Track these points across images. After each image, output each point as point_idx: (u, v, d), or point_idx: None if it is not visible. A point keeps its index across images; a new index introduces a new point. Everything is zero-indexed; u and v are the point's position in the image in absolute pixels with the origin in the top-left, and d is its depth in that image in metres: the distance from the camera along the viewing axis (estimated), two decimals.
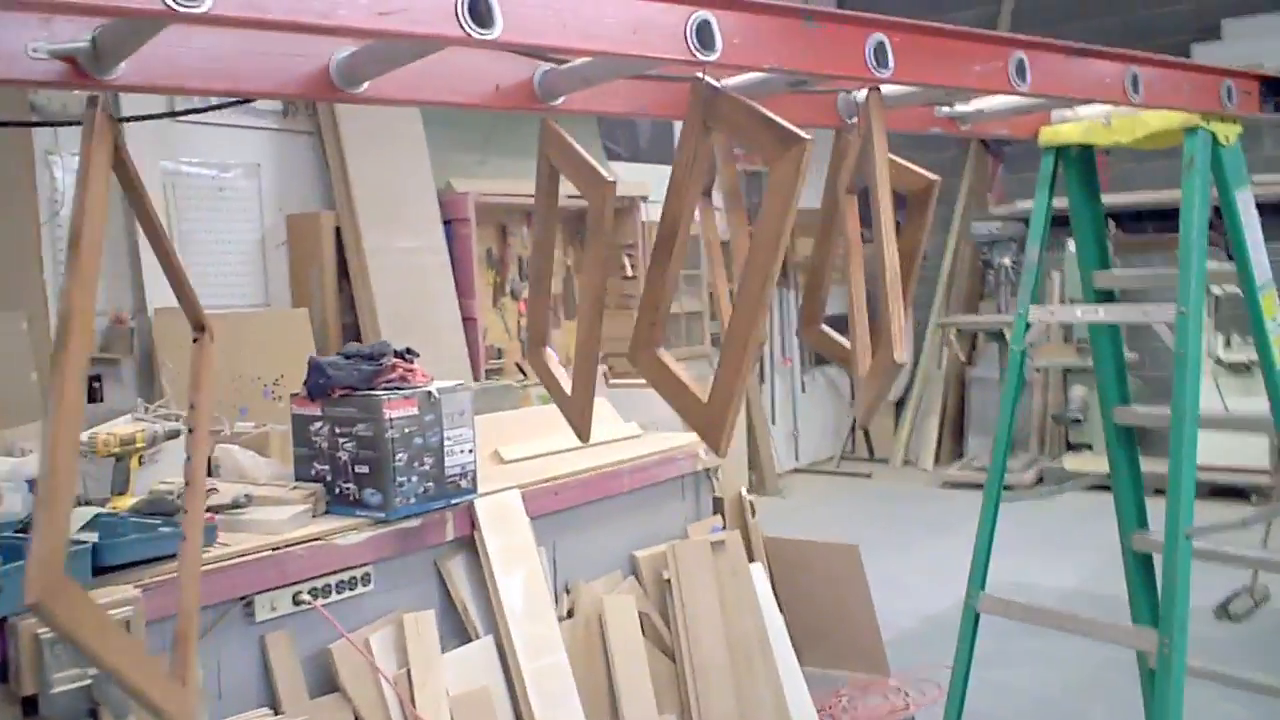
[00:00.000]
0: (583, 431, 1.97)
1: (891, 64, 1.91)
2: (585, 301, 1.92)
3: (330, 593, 2.93)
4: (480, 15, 1.49)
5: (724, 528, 4.10)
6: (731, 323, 1.64)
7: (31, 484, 3.13)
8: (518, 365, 6.55)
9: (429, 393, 3.09)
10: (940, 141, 9.78)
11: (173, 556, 2.70)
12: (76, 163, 4.62)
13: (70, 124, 4.77)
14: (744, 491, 4.27)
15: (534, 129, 5.80)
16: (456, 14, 1.47)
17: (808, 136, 1.53)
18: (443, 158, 6.19)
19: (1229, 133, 2.63)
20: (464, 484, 3.19)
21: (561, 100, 2.04)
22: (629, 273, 7.25)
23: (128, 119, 4.55)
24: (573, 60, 1.93)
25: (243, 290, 5.72)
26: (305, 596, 2.87)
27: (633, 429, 4.22)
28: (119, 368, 5.11)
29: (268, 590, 2.80)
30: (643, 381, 3.86)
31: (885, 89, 2.30)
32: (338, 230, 5.79)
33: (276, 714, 2.79)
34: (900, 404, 9.86)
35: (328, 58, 1.80)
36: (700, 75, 1.73)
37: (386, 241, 5.80)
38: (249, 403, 5.02)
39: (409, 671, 2.99)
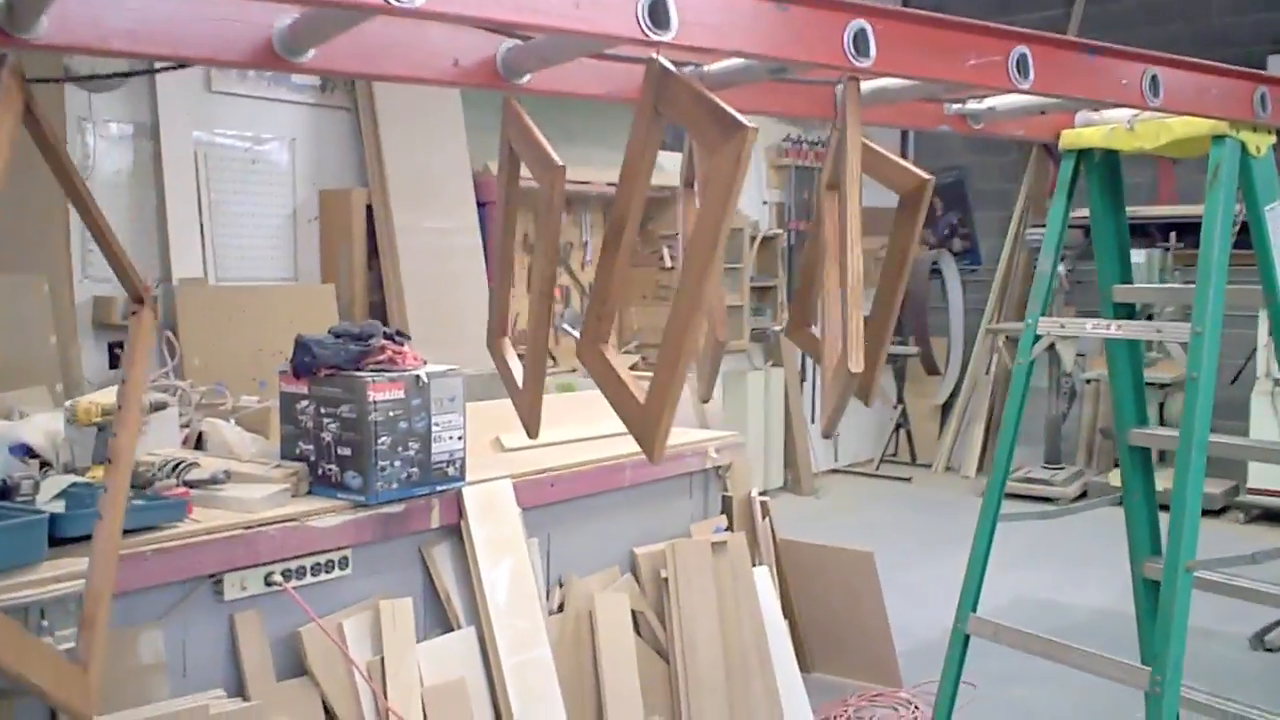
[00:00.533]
0: (532, 427, 1.87)
1: (873, 53, 1.78)
2: (535, 292, 1.82)
3: (304, 575, 2.87)
4: None
5: (729, 528, 3.98)
6: (669, 321, 1.53)
7: (17, 449, 3.11)
8: (549, 352, 6.48)
9: (417, 376, 3.01)
10: (1002, 145, 9.54)
11: (141, 530, 2.66)
12: (110, 129, 4.60)
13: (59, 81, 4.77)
14: (754, 493, 4.15)
15: (578, 114, 5.68)
16: None
17: (751, 125, 1.41)
18: (481, 140, 6.10)
19: (1260, 143, 2.46)
20: (451, 471, 3.11)
21: (527, 79, 1.93)
22: (668, 263, 7.14)
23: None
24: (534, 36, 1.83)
25: (272, 264, 5.69)
26: (277, 577, 2.80)
27: None
28: None
29: (238, 569, 2.74)
30: None
31: (883, 82, 2.18)
32: (370, 208, 5.74)
33: (240, 695, 2.74)
34: (946, 409, 9.66)
35: (269, 24, 1.71)
36: (654, 56, 1.61)
37: (417, 221, 5.74)
38: (269, 377, 4.98)
39: (382, 659, 2.92)
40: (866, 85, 2.17)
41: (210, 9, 1.67)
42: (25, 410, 3.63)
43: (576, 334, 5.53)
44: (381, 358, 3.03)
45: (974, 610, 2.75)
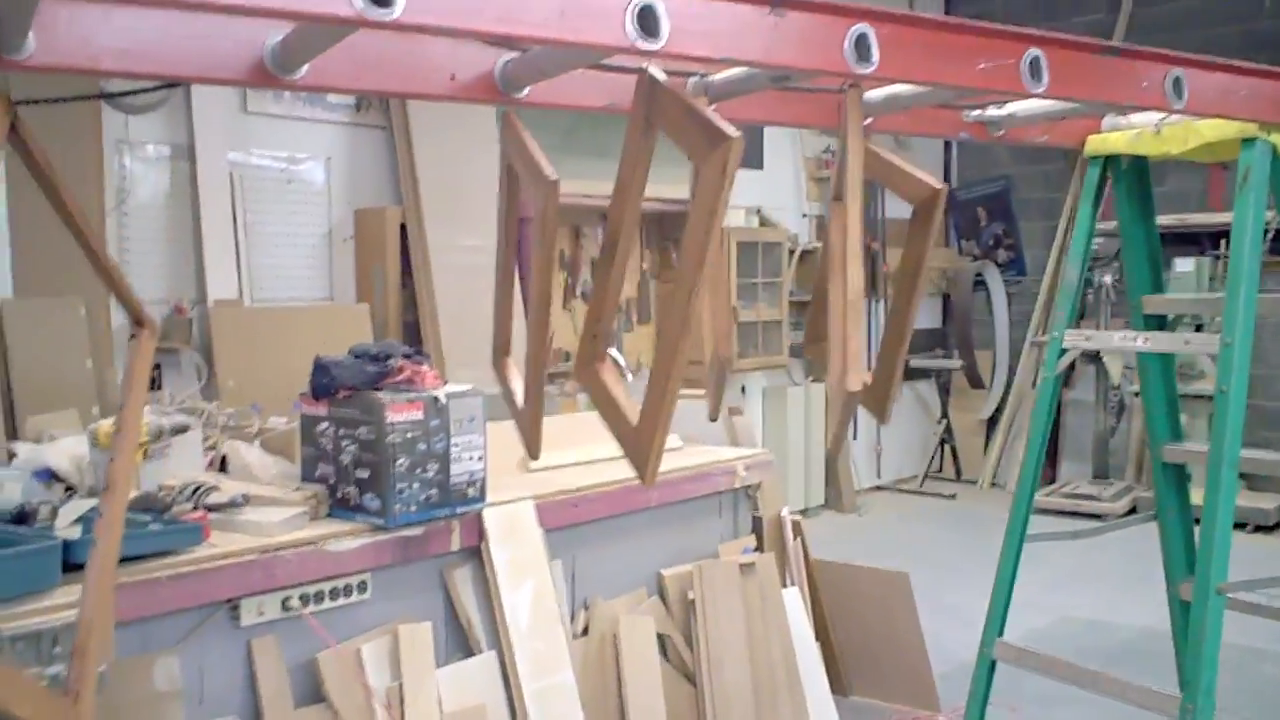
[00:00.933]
0: (533, 447, 1.82)
1: (875, 58, 1.72)
2: (532, 309, 1.78)
3: (323, 599, 2.84)
4: None
5: (757, 549, 3.91)
6: (658, 340, 1.47)
7: (41, 473, 3.12)
8: None
9: (435, 397, 2.98)
10: (1047, 154, 9.39)
11: (157, 555, 2.64)
12: (147, 151, 4.63)
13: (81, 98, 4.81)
14: (785, 512, 4.08)
15: (615, 128, 5.62)
16: None
17: (736, 134, 1.36)
18: None
19: None
20: (471, 492, 3.07)
21: (526, 92, 1.90)
22: None
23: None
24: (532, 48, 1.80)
25: (308, 284, 5.70)
26: (295, 602, 2.78)
27: (672, 441, 4.05)
28: (178, 356, 5.13)
29: (255, 594, 2.72)
30: (697, 392, 3.71)
31: (894, 89, 2.12)
32: (404, 226, 5.74)
33: None
34: (991, 424, 9.51)
35: (261, 41, 1.69)
36: (645, 67, 1.57)
37: (451, 239, 5.73)
38: None
39: (401, 685, 2.88)
40: (878, 93, 2.12)
41: (201, 26, 1.65)
42: (55, 433, 3.65)
43: (616, 355, 5.48)
44: (400, 378, 3.00)
45: (1001, 634, 2.66)
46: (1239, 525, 7.46)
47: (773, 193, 8.04)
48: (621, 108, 1.96)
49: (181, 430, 3.13)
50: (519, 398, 1.91)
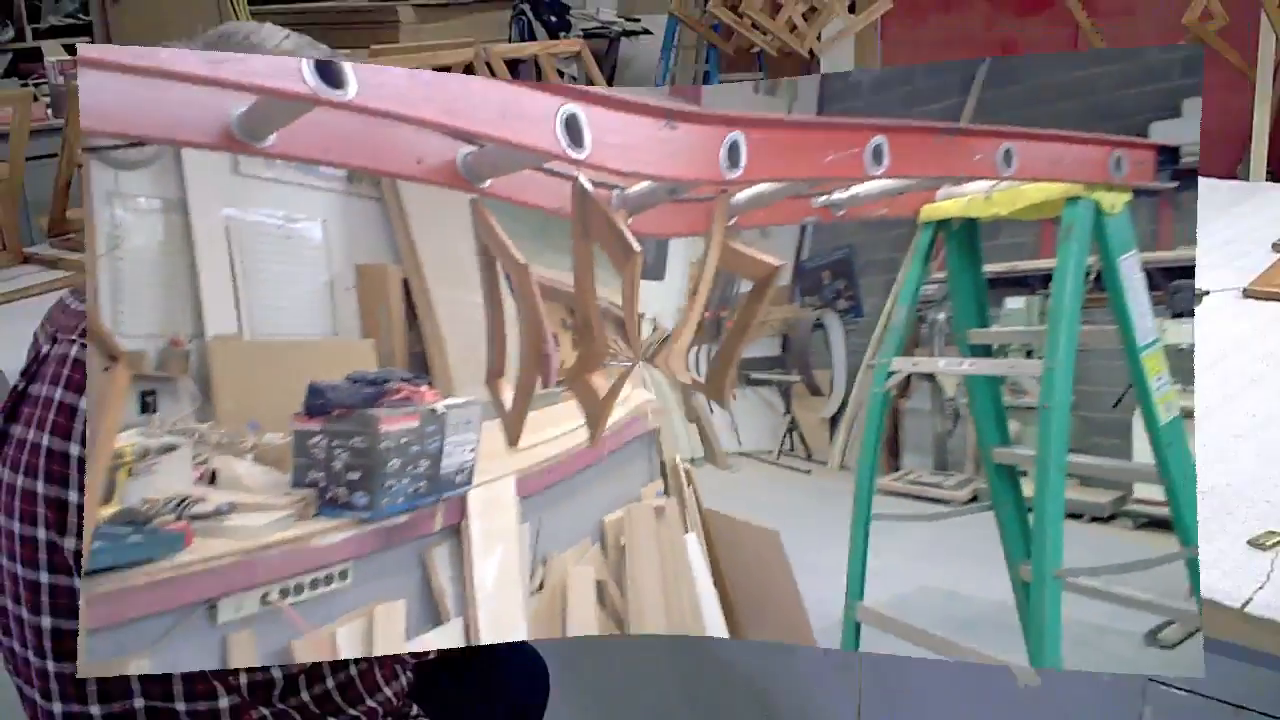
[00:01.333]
0: (513, 436, 1.75)
1: (743, 163, 1.65)
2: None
3: (302, 591, 2.73)
4: (331, 75, 1.28)
5: (665, 493, 3.81)
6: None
7: None
8: None
9: (433, 409, 2.87)
10: (891, 221, 9.51)
11: (134, 564, 2.49)
12: (139, 203, 4.43)
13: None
14: (678, 459, 3.98)
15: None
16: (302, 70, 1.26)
17: (637, 249, 1.32)
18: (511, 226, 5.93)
19: (1115, 201, 2.38)
20: (460, 479, 2.95)
21: (488, 184, 1.80)
22: None
23: None
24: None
25: (310, 321, 5.48)
26: (274, 596, 2.67)
27: None
28: (174, 384, 4.95)
29: (235, 593, 2.60)
30: None
31: (759, 188, 2.03)
32: (406, 280, 5.56)
33: None
34: (834, 421, 9.58)
35: (226, 109, 1.59)
36: (577, 175, 1.51)
37: (454, 296, 5.50)
38: None
39: None
40: (743, 195, 2.02)
41: (170, 91, 1.53)
42: None
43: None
44: (397, 397, 2.88)
45: (860, 598, 2.65)
46: (1075, 515, 7.62)
47: (671, 301, 7.96)
48: (568, 213, 1.88)
49: (169, 449, 3.00)
50: (507, 405, 1.84)
